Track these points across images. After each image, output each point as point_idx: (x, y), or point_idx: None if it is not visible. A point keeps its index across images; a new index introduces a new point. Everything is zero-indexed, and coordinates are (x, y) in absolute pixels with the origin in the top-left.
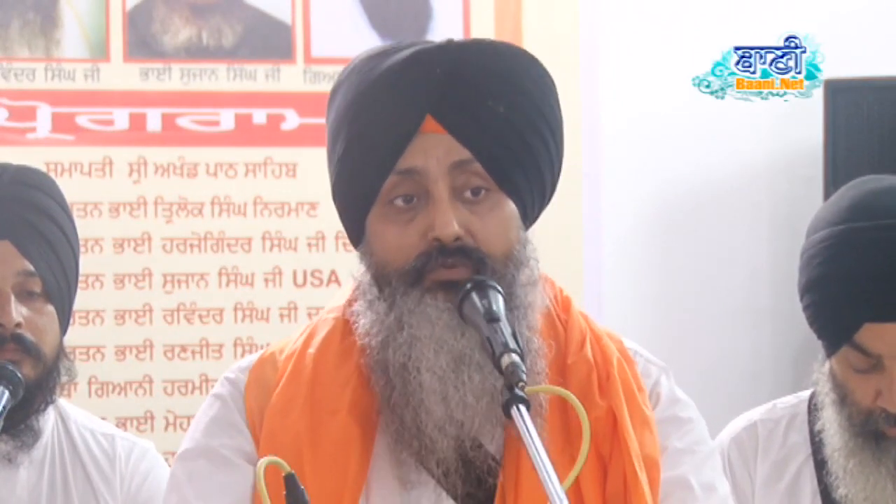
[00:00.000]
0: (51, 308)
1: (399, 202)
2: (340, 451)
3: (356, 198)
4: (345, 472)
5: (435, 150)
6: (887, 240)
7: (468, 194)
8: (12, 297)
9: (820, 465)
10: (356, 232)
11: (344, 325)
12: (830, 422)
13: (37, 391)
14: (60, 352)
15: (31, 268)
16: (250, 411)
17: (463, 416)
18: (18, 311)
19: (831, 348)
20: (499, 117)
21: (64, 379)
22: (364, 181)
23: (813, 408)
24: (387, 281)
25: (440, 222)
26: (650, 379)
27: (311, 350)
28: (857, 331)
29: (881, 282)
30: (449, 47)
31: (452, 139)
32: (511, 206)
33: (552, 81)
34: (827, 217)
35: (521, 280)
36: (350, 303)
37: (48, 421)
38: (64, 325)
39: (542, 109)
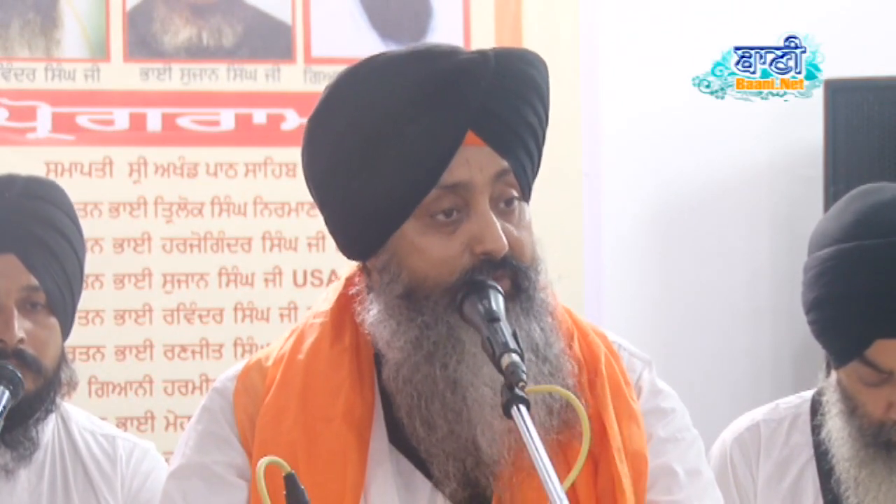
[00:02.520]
0: (53, 320)
1: (440, 216)
2: (337, 459)
3: (389, 211)
4: (343, 479)
5: (477, 163)
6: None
7: (502, 205)
8: (15, 313)
9: (823, 465)
10: (372, 245)
11: (332, 331)
12: (838, 431)
13: (36, 403)
14: (62, 360)
15: (36, 282)
16: (240, 422)
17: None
18: (21, 327)
19: (840, 362)
20: (528, 127)
21: (64, 388)
22: (402, 195)
23: (816, 408)
24: (425, 294)
25: (491, 237)
26: (634, 373)
27: (301, 357)
28: (867, 347)
29: (892, 299)
30: (489, 58)
31: (491, 150)
32: (529, 211)
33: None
34: (832, 233)
35: (541, 283)
36: (341, 308)
37: (49, 423)
38: (66, 333)
39: (548, 111)
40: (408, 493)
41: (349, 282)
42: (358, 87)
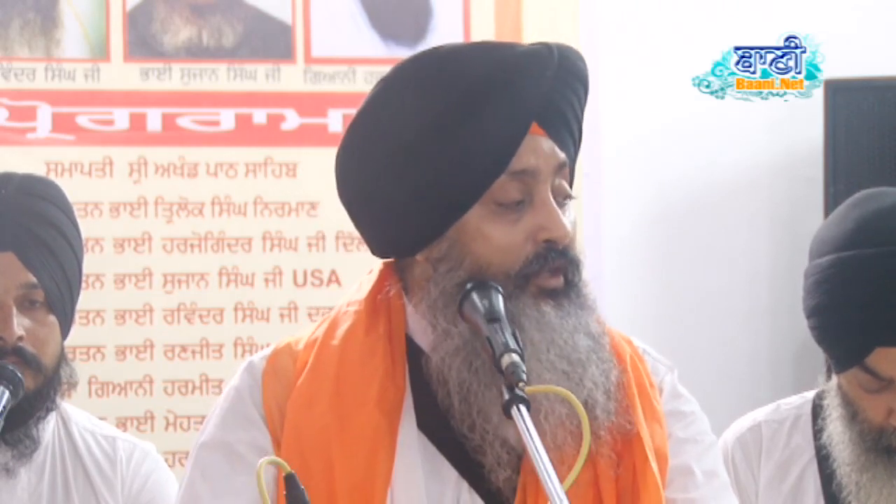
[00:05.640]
0: (53, 318)
1: (505, 204)
2: (369, 443)
3: (456, 198)
4: (374, 463)
5: (543, 152)
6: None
7: (560, 199)
8: (14, 310)
9: (824, 469)
10: (432, 234)
11: (367, 319)
12: (839, 435)
13: (37, 401)
14: (61, 359)
15: (34, 280)
16: (267, 403)
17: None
18: (20, 324)
19: (840, 368)
20: (577, 123)
21: (64, 387)
22: (471, 180)
23: (817, 412)
24: None
25: (555, 224)
26: (658, 376)
27: (335, 342)
28: (867, 355)
29: (891, 307)
30: (553, 51)
31: (551, 142)
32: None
33: None
34: (832, 240)
35: (585, 279)
36: (375, 298)
37: (49, 423)
38: (66, 331)
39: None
40: (434, 478)
41: (382, 276)
42: (422, 75)
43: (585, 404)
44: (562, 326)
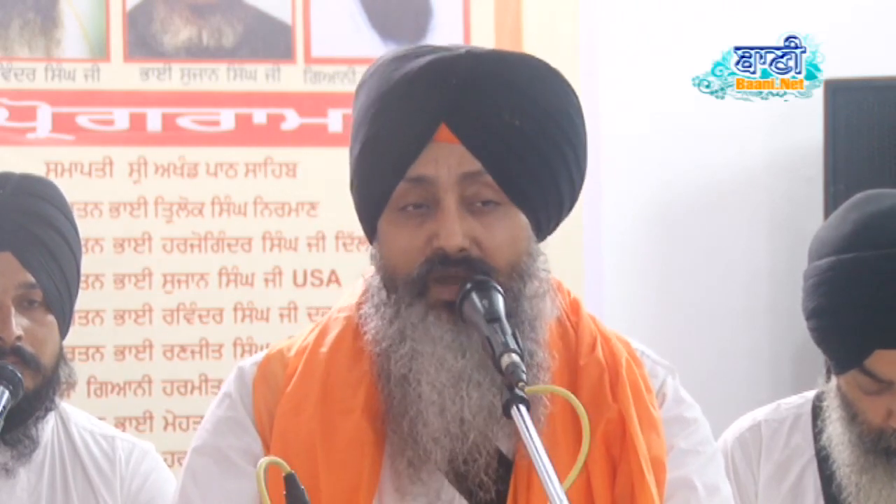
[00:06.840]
0: (51, 318)
1: (410, 208)
2: (355, 451)
3: (369, 200)
4: (359, 471)
5: (446, 160)
6: (894, 269)
7: (478, 205)
8: (13, 310)
9: (824, 470)
10: (370, 231)
11: (356, 325)
12: (839, 437)
13: (36, 401)
14: (60, 359)
15: (33, 279)
16: (258, 409)
17: (459, 430)
18: (19, 324)
19: (839, 370)
20: (513, 130)
21: (63, 387)
22: (376, 185)
23: (817, 410)
24: (393, 287)
25: (445, 232)
26: (657, 380)
27: (324, 349)
28: (867, 357)
29: (890, 310)
30: (466, 57)
31: (465, 150)
32: (521, 219)
33: (572, 92)
34: (831, 242)
35: (527, 293)
36: (360, 304)
37: (48, 423)
38: (64, 331)
39: (560, 121)
40: (421, 484)
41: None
42: (365, 82)
43: (461, 419)
44: (452, 343)
